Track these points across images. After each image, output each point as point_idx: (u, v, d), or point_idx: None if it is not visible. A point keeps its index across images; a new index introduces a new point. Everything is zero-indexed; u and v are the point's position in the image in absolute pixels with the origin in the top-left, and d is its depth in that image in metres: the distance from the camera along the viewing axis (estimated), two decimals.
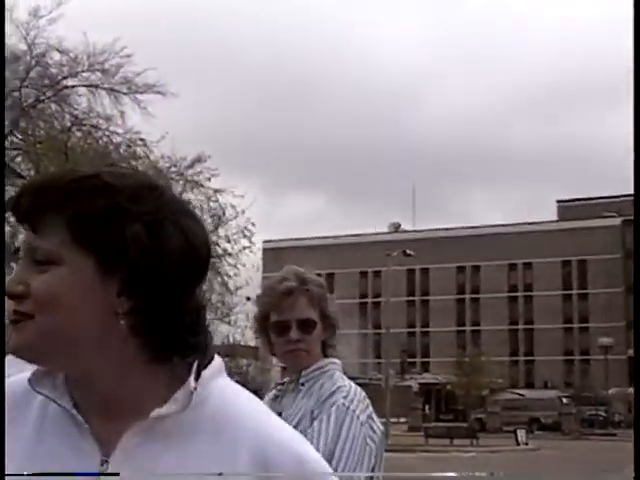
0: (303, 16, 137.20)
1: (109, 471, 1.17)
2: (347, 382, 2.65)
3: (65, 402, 1.22)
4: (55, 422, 1.23)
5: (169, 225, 1.19)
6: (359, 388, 2.67)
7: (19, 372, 1.26)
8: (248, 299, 24.41)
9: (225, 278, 27.13)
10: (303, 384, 2.63)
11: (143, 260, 1.17)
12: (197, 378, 1.20)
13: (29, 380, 1.23)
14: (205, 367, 1.22)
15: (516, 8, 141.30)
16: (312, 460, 1.21)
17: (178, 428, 1.19)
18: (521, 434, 39.58)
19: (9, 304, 1.18)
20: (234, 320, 27.50)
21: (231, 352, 34.89)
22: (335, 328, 2.72)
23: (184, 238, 1.19)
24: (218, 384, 1.23)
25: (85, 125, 24.42)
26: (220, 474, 1.13)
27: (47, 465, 1.18)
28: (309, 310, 2.66)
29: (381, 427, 2.66)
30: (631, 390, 72.03)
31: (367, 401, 2.65)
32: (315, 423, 2.52)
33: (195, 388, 1.19)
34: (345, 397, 2.56)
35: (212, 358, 1.24)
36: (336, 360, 2.73)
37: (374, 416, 2.65)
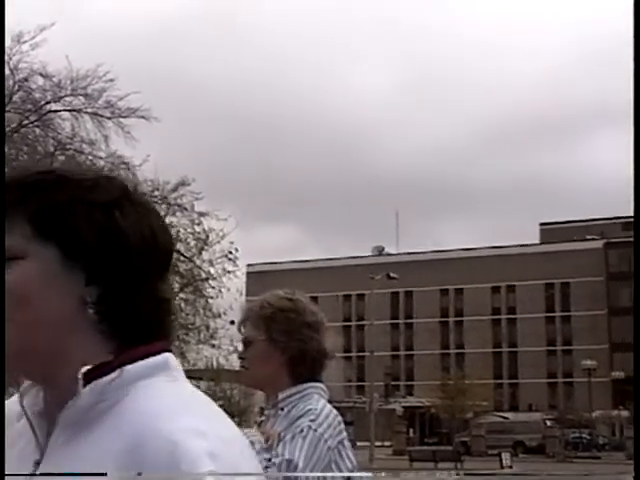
0: (278, 58, 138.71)
1: (39, 471, 1.13)
2: (321, 405, 2.60)
3: (28, 408, 1.18)
4: (20, 425, 1.20)
5: (128, 213, 1.18)
6: (334, 413, 2.62)
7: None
8: (232, 323, 24.34)
9: (209, 301, 27.08)
10: (282, 408, 2.61)
11: (105, 246, 1.16)
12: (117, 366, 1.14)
13: (20, 392, 1.21)
14: (140, 359, 1.16)
15: (481, 46, 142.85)
16: (188, 455, 1.05)
17: (94, 421, 1.12)
18: (506, 457, 39.54)
19: None
20: (218, 344, 27.41)
21: (215, 376, 34.75)
22: (295, 351, 2.67)
23: (144, 226, 1.19)
24: (151, 381, 1.14)
25: (69, 149, 24.39)
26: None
27: (10, 469, 1.15)
28: (250, 329, 2.74)
29: (353, 459, 2.59)
30: (615, 412, 72.20)
31: (341, 427, 2.60)
32: (279, 446, 2.48)
33: (112, 380, 1.13)
34: (313, 420, 2.52)
35: (154, 353, 1.17)
36: (317, 384, 2.69)
37: (347, 444, 2.60)
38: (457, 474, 31.04)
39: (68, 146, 24.37)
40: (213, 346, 27.36)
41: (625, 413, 70.30)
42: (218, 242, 27.54)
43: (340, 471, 2.51)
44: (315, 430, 2.51)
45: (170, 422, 1.07)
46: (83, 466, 1.09)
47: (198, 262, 27.42)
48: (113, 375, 1.13)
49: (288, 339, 2.66)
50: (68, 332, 1.14)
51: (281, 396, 2.64)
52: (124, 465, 1.06)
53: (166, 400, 1.12)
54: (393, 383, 76.05)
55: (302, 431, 2.50)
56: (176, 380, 1.17)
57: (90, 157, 24.41)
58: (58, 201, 1.17)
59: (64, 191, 1.18)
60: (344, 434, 2.61)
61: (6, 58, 22.76)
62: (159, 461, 1.05)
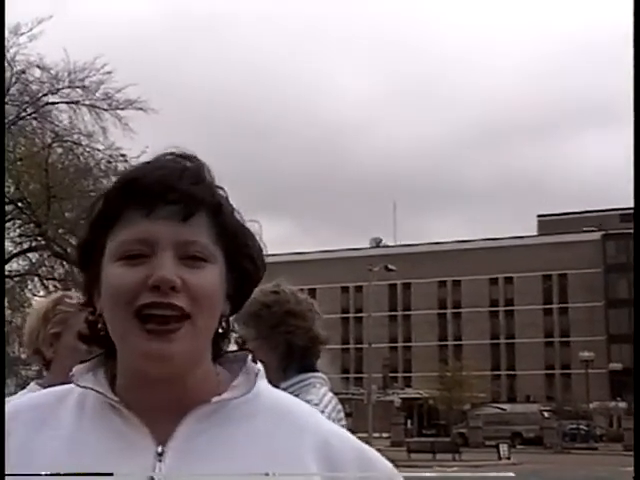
0: (273, 58, 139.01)
1: (167, 460, 1.13)
2: (322, 392, 2.64)
3: (112, 396, 1.17)
4: (97, 418, 1.18)
5: None
6: (335, 400, 2.66)
7: None
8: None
9: None
10: None
11: (249, 266, 1.21)
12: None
13: (71, 376, 1.20)
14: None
15: (475, 44, 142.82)
16: (370, 450, 1.23)
17: (241, 413, 1.18)
18: (503, 448, 39.61)
19: (152, 295, 1.11)
20: None
21: None
22: (284, 343, 2.70)
23: None
24: (265, 382, 1.24)
25: (66, 141, 24.35)
26: (267, 474, 1.11)
27: (93, 462, 1.12)
28: (242, 328, 2.73)
29: None
30: (612, 404, 72.31)
31: (341, 415, 2.64)
32: None
33: (256, 375, 1.20)
34: (316, 404, 2.57)
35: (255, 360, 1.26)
36: (318, 373, 2.73)
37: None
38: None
39: (66, 138, 24.33)
40: None
41: (622, 404, 70.43)
42: None
43: None
44: (322, 412, 2.55)
45: (330, 422, 1.26)
46: (248, 456, 1.14)
47: None
48: (246, 375, 1.21)
49: (275, 333, 2.69)
50: (212, 336, 1.19)
51: (283, 386, 2.66)
52: (320, 459, 1.15)
53: (299, 400, 1.28)
54: (391, 375, 76.01)
55: None
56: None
57: (88, 149, 24.40)
58: (234, 216, 1.20)
59: (232, 206, 1.20)
60: (344, 422, 2.65)
61: None
62: (351, 458, 1.18)
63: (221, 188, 1.20)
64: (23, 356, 22.42)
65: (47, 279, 25.14)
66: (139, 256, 1.12)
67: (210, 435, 1.15)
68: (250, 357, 1.24)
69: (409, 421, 64.12)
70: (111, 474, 1.10)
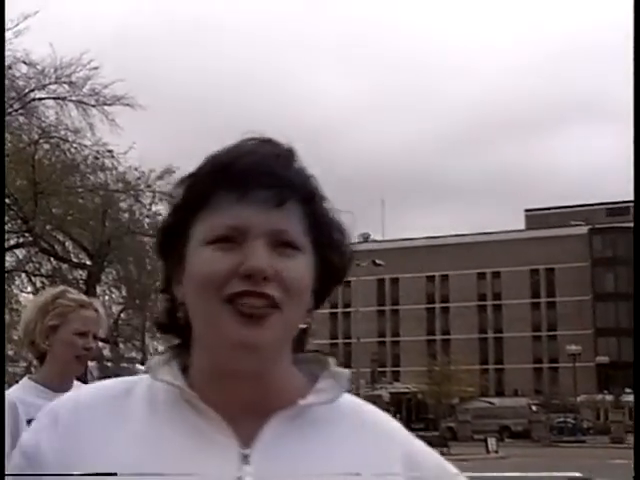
0: (263, 58, 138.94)
1: (253, 463, 1.06)
2: None
3: (190, 392, 1.09)
4: (170, 413, 1.10)
5: None
6: None
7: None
8: None
9: None
10: None
11: (337, 261, 1.14)
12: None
13: (147, 368, 1.13)
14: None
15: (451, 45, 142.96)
16: (450, 466, 1.21)
17: (324, 417, 1.12)
18: (491, 442, 39.69)
19: (245, 283, 1.04)
20: None
21: None
22: None
23: None
24: None
25: (53, 137, 24.30)
26: (358, 474, 1.07)
27: (171, 460, 1.06)
28: None
29: None
30: (599, 397, 72.62)
31: None
32: None
33: (347, 381, 1.15)
34: None
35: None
36: None
37: None
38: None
39: (53, 134, 24.28)
40: None
41: (609, 397, 70.76)
42: None
43: None
44: None
45: (411, 435, 1.21)
46: (341, 462, 1.09)
47: None
48: (330, 379, 1.15)
49: None
50: (297, 331, 1.13)
51: None
52: (405, 471, 1.12)
53: (381, 411, 1.22)
54: (379, 369, 76.12)
55: None
56: None
57: (75, 145, 24.35)
58: (325, 206, 1.14)
59: (323, 195, 1.15)
60: None
61: None
62: (432, 466, 1.15)
63: (312, 176, 1.15)
64: (10, 352, 22.38)
65: (34, 275, 25.10)
66: (230, 241, 1.07)
67: (294, 439, 1.09)
68: (333, 360, 1.18)
69: (398, 415, 63.75)
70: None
